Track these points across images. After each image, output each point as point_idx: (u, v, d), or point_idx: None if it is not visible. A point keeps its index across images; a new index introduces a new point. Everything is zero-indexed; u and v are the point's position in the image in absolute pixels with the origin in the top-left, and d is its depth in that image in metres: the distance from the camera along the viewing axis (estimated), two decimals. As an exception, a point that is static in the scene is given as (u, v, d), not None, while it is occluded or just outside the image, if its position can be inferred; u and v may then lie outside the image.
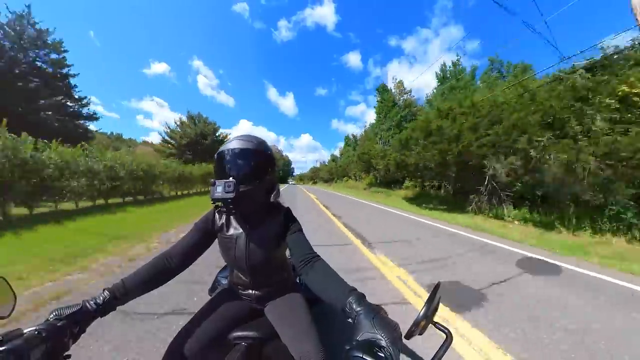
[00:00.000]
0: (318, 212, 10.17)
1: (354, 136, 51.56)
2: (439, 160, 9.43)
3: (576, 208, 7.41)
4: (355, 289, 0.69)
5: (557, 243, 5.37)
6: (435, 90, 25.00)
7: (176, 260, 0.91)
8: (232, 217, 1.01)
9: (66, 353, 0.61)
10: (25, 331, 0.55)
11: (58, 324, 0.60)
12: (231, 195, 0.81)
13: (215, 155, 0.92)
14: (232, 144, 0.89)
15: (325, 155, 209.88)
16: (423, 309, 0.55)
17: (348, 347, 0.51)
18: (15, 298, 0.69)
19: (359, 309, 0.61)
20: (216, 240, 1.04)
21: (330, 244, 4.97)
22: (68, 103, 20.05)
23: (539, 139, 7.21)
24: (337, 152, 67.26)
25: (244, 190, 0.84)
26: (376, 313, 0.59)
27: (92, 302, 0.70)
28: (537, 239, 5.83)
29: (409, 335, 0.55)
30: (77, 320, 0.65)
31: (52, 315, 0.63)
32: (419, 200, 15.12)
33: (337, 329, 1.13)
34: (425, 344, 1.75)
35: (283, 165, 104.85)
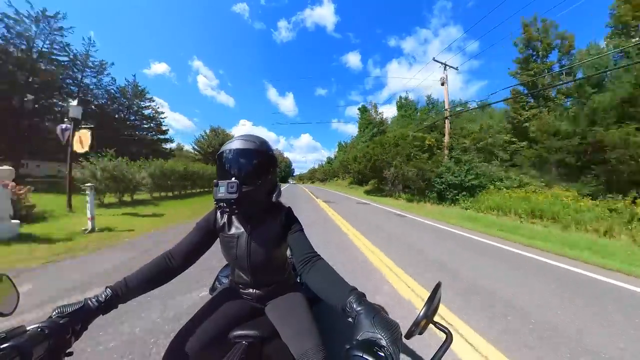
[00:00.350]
0: (307, 194, 20.61)
1: (345, 143, 61.49)
2: (364, 169, 19.28)
3: (419, 192, 17.07)
4: (356, 289, 0.70)
5: (403, 206, 13.95)
6: (395, 116, 35.02)
7: (178, 259, 0.92)
8: (233, 216, 1.02)
9: (68, 350, 0.62)
10: (28, 328, 0.56)
11: (60, 322, 0.61)
12: (234, 196, 0.82)
13: (217, 154, 0.93)
14: (235, 144, 0.89)
15: (325, 155, 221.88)
16: (423, 309, 0.55)
17: (348, 347, 0.51)
18: (18, 295, 0.69)
19: (359, 308, 0.62)
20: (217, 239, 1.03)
21: (308, 201, 14.92)
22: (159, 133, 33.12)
23: (393, 161, 17.08)
24: (332, 155, 77.67)
25: (246, 191, 0.85)
26: (376, 313, 0.59)
27: (94, 300, 0.71)
28: (400, 205, 14.88)
29: (409, 335, 0.56)
30: (79, 318, 0.65)
31: (54, 313, 0.64)
32: (371, 191, 25.05)
33: (337, 328, 1.15)
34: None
35: (284, 167, 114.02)
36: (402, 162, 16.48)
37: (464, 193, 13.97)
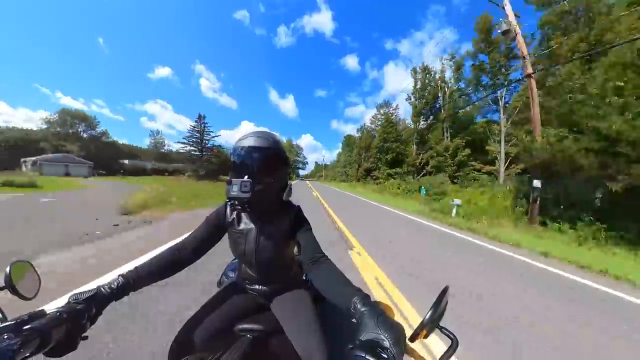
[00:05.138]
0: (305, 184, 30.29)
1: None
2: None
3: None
4: (361, 290, 0.70)
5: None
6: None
7: (187, 252, 0.94)
8: (243, 213, 1.03)
9: (84, 334, 0.64)
10: (48, 312, 0.58)
11: (77, 307, 0.64)
12: (247, 195, 0.83)
13: (231, 150, 0.93)
14: (248, 141, 0.90)
15: (325, 155, 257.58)
16: (429, 313, 0.54)
17: (351, 346, 0.50)
18: (40, 281, 0.73)
19: (363, 309, 0.62)
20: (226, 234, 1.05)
21: (306, 188, 23.30)
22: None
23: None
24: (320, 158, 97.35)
25: (259, 189, 0.86)
26: (381, 314, 0.58)
27: (106, 287, 0.74)
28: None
29: (413, 338, 0.55)
30: (94, 304, 0.68)
31: (71, 299, 0.67)
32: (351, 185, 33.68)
33: (341, 327, 1.16)
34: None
35: (294, 163, 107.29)
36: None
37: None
